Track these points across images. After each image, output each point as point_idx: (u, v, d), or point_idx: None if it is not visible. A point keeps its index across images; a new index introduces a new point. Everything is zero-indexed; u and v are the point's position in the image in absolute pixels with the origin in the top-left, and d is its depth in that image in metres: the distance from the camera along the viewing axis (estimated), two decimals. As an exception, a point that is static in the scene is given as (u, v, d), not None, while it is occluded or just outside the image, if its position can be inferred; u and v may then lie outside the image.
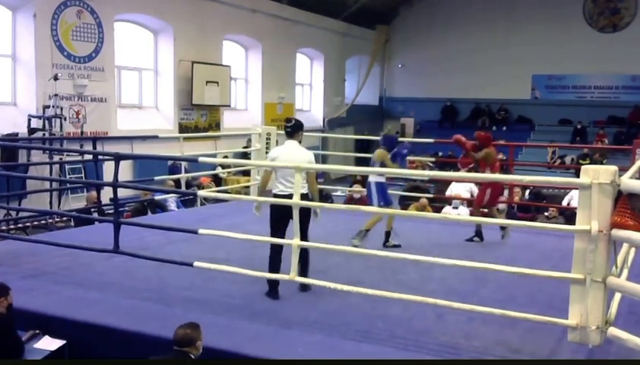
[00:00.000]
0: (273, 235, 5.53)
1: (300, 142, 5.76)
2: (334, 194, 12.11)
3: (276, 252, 5.49)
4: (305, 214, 5.41)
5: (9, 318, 4.50)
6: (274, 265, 5.46)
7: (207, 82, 15.43)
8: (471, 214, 8.48)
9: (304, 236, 5.33)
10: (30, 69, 11.76)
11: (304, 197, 5.30)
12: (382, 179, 7.45)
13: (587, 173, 3.99)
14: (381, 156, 7.43)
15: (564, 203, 10.90)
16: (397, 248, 7.26)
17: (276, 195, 5.56)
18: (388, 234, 7.52)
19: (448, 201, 11.17)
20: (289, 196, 5.25)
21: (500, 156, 17.24)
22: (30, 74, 11.74)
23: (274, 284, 5.45)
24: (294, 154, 5.59)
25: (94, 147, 10.98)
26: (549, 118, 21.79)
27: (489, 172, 7.92)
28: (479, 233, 8.02)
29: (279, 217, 5.50)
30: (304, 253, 5.47)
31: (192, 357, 3.82)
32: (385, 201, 7.39)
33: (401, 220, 7.51)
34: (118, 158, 6.04)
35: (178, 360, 3.81)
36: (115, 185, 5.91)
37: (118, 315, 4.87)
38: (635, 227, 3.80)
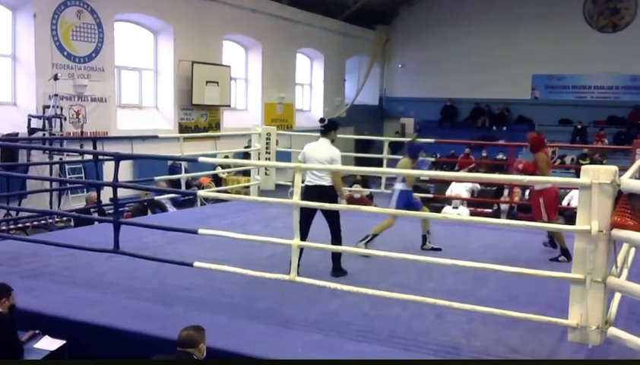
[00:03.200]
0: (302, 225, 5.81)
1: (333, 141, 6.21)
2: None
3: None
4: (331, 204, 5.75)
5: (10, 319, 4.50)
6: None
7: (207, 82, 15.42)
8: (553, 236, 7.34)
9: (335, 227, 5.98)
10: (30, 69, 11.75)
11: (328, 188, 5.95)
12: (408, 187, 7.30)
13: (587, 173, 3.99)
14: (405, 166, 7.25)
15: (564, 203, 10.89)
16: (436, 251, 7.20)
17: (307, 187, 5.93)
18: (424, 237, 7.44)
19: (448, 201, 11.18)
20: (315, 187, 5.92)
21: (500, 156, 17.39)
22: (30, 74, 11.74)
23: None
24: (317, 151, 6.09)
25: (94, 147, 11.02)
26: (549, 118, 21.76)
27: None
28: (565, 252, 6.89)
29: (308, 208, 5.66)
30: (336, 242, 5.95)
31: (195, 358, 3.81)
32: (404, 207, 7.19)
33: (401, 220, 7.50)
34: (118, 158, 6.04)
35: (181, 360, 3.81)
36: (115, 185, 5.91)
37: (118, 315, 4.87)
38: (635, 227, 3.80)
